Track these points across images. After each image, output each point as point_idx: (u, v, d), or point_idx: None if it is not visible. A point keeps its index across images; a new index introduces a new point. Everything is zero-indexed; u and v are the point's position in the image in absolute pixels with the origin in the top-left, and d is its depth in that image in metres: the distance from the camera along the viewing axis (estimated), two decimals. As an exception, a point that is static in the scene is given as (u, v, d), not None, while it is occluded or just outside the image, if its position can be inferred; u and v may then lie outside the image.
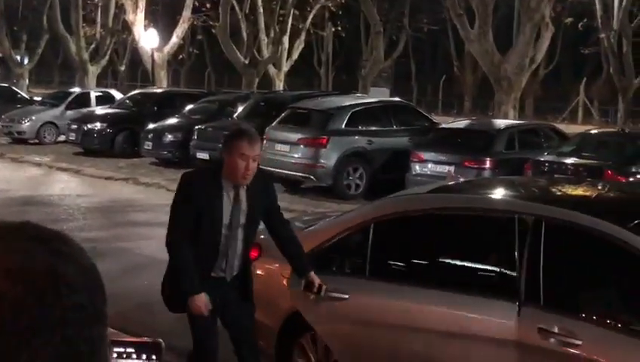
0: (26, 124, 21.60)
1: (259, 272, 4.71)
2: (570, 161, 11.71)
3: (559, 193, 5.02)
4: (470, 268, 4.30)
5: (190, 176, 4.35)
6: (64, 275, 0.86)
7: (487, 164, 12.19)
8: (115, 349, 0.99)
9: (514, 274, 4.03)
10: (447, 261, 4.52)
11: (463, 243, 4.39)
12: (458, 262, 4.43)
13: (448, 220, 4.34)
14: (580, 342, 3.69)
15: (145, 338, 1.01)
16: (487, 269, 4.09)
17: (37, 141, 21.47)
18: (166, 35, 28.47)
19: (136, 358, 0.97)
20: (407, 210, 4.45)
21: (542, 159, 11.90)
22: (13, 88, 28.42)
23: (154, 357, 0.98)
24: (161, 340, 0.98)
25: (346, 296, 4.37)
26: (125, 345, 0.98)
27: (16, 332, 0.81)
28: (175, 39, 28.50)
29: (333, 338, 4.49)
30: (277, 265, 4.75)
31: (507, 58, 17.79)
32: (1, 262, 0.85)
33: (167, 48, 28.23)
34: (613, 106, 33.43)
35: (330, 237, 4.62)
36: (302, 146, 13.89)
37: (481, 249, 4.15)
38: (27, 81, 36.96)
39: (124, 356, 0.96)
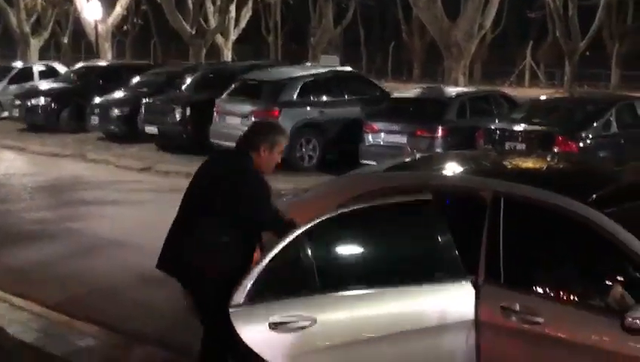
0: (-34, 101, 20.94)
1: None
2: (520, 128, 11.78)
3: (516, 167, 5.00)
4: (424, 253, 4.15)
5: (251, 168, 4.38)
6: None
7: (440, 133, 12.20)
8: None
9: (473, 253, 3.99)
10: (399, 249, 4.18)
11: (416, 226, 4.23)
12: (410, 250, 4.16)
13: (404, 203, 4.15)
14: (541, 320, 3.70)
15: None
16: (444, 251, 4.01)
17: (-21, 118, 20.85)
18: (109, 5, 27.77)
19: None
20: (364, 191, 4.35)
21: (493, 127, 11.95)
22: (-48, 63, 27.48)
23: None
24: None
25: (315, 320, 3.76)
26: None
27: None
28: (119, 9, 27.84)
29: None
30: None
31: (456, 24, 17.78)
32: None
33: (111, 19, 27.56)
34: (560, 69, 33.84)
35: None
36: (253, 118, 13.70)
37: (436, 230, 4.03)
38: (-34, 55, 35.78)
39: None
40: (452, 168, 4.84)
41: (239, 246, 4.25)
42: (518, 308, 3.76)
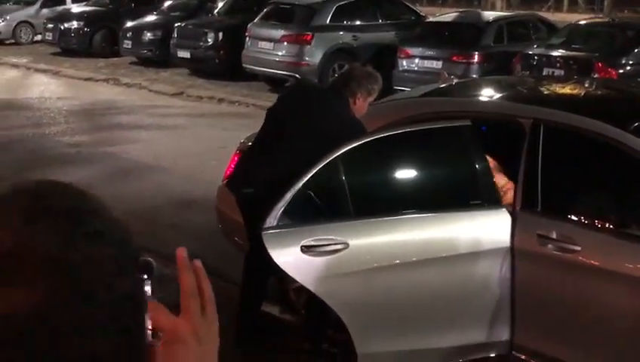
0: (1, 24, 20.96)
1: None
2: (558, 53, 11.51)
3: (555, 94, 4.90)
4: (462, 179, 4.11)
5: (352, 115, 4.30)
6: (109, 264, 0.74)
7: (476, 59, 11.97)
8: None
9: (511, 180, 3.95)
10: (434, 175, 4.18)
11: (453, 153, 4.18)
12: (446, 176, 4.14)
13: (441, 129, 4.09)
14: (578, 248, 3.67)
15: None
16: (481, 178, 3.97)
17: (13, 41, 20.89)
18: None
19: None
20: (400, 117, 4.30)
21: (530, 52, 11.68)
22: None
23: (145, 276, 0.89)
24: (151, 259, 0.91)
25: (347, 244, 3.75)
26: None
27: (67, 331, 0.70)
28: None
29: (335, 297, 3.83)
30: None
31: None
32: (23, 244, 0.70)
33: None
34: (600, -6, 32.82)
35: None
36: (285, 43, 13.57)
37: (473, 157, 3.97)
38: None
39: None
40: (490, 94, 4.75)
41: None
42: (554, 235, 3.73)
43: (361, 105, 4.32)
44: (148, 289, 0.88)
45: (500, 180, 4.23)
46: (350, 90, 4.31)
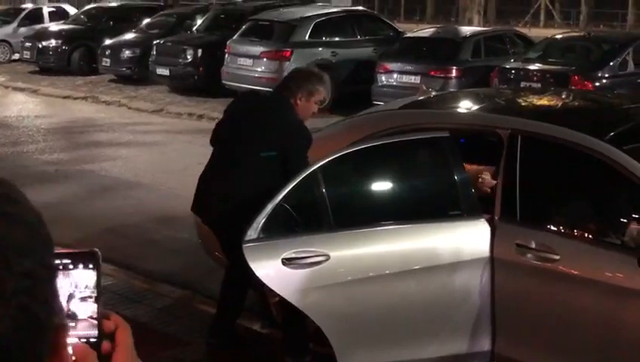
0: (-23, 43, 20.84)
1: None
2: (535, 67, 11.63)
3: (532, 105, 4.94)
4: (440, 190, 4.13)
5: (296, 117, 4.30)
6: (13, 241, 0.78)
7: (454, 73, 12.06)
8: None
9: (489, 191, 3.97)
10: (413, 186, 4.20)
11: (431, 164, 4.22)
12: (425, 187, 4.17)
13: (419, 140, 4.11)
14: (557, 257, 3.69)
15: (80, 249, 0.96)
16: (460, 189, 3.98)
17: (-10, 60, 20.77)
18: (118, -55, 27.33)
19: (73, 268, 0.94)
20: (378, 130, 4.31)
21: (508, 66, 11.80)
22: (-39, 5, 27.31)
23: (90, 266, 0.94)
24: (97, 249, 0.96)
25: (328, 256, 3.73)
26: (61, 256, 0.93)
27: None
28: (128, -51, 27.40)
29: (316, 309, 3.82)
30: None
31: (471, -38, 17.43)
32: None
33: (121, -41, 27.16)
34: (575, 9, 33.24)
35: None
36: (265, 60, 13.60)
37: (451, 168, 3.99)
38: (-25, -3, 35.49)
39: (61, 267, 0.92)
40: (467, 106, 4.78)
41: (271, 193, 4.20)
42: (533, 245, 3.75)
43: (304, 105, 4.28)
44: (92, 278, 0.91)
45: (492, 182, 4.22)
46: (290, 91, 4.32)
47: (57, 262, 0.89)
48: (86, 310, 0.93)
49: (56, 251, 0.89)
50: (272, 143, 4.19)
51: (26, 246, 0.79)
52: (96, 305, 0.94)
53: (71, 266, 0.93)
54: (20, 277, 0.77)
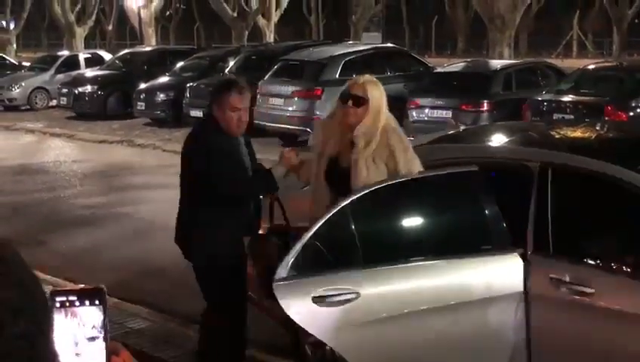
0: (16, 91, 21.36)
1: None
2: (568, 98, 11.55)
3: (564, 137, 4.89)
4: (471, 225, 4.09)
5: (203, 138, 4.30)
6: (8, 303, 0.79)
7: (485, 107, 12.04)
8: (58, 299, 0.96)
9: (522, 224, 3.92)
10: (444, 221, 4.14)
11: (462, 198, 4.18)
12: (456, 222, 4.11)
13: (448, 175, 4.08)
14: (592, 290, 3.62)
15: (86, 286, 0.98)
16: (493, 223, 3.94)
17: (28, 107, 21.23)
18: (152, -9, 27.96)
19: (80, 305, 0.95)
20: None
21: (540, 98, 11.74)
22: (1, 55, 28.04)
23: (97, 302, 0.95)
24: (103, 286, 0.97)
25: (359, 294, 3.69)
26: (67, 293, 0.95)
27: None
28: (161, -5, 28.04)
29: (348, 348, 3.76)
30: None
31: (500, -4, 17.47)
32: None
33: (154, 5, 27.79)
34: (608, 38, 33.07)
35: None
36: (296, 99, 13.71)
37: (482, 203, 3.96)
38: (15, 46, 36.49)
39: (67, 304, 0.93)
40: (498, 139, 4.75)
41: (221, 223, 4.25)
42: (568, 278, 3.69)
43: (221, 117, 4.20)
44: (99, 316, 0.91)
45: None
46: (210, 108, 4.37)
47: (63, 299, 0.90)
48: (94, 350, 0.94)
49: (62, 289, 0.91)
50: (194, 168, 4.26)
51: (22, 307, 0.80)
52: (104, 344, 0.94)
53: (77, 303, 0.93)
54: (15, 339, 0.78)
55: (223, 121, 4.19)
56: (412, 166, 4.01)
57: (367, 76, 4.18)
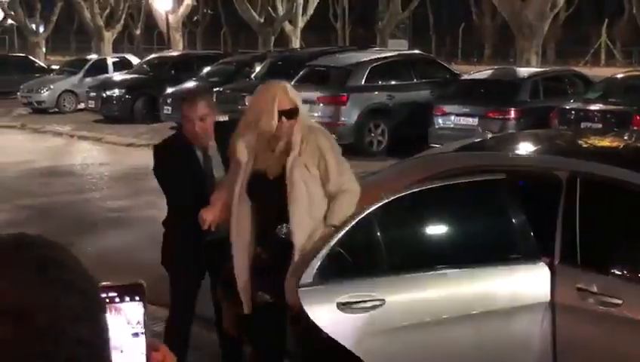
0: (45, 94, 21.61)
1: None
2: (596, 107, 11.46)
3: (592, 146, 4.85)
4: (498, 233, 4.07)
5: (160, 144, 4.70)
6: (68, 309, 0.79)
7: (512, 115, 11.97)
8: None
9: (548, 234, 3.89)
10: (470, 229, 4.13)
11: (488, 207, 4.16)
12: (482, 231, 4.10)
13: (475, 183, 4.07)
14: (620, 301, 3.58)
15: (124, 282, 0.98)
16: (520, 232, 3.92)
17: (57, 110, 21.48)
18: (179, -4, 28.18)
19: (120, 301, 0.95)
20: (434, 172, 4.28)
21: (568, 107, 11.66)
22: (31, 58, 28.43)
23: (137, 298, 0.96)
24: (142, 281, 0.97)
25: (384, 301, 3.67)
26: (107, 290, 0.94)
27: None
28: (189, 0, 28.22)
29: (372, 355, 3.74)
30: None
31: (528, 4, 17.37)
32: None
33: (181, 10, 27.98)
34: (637, 47, 32.75)
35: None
36: (322, 105, 13.74)
37: (509, 211, 3.94)
38: (44, 49, 36.93)
39: (108, 301, 0.93)
40: (525, 148, 4.73)
41: (171, 228, 4.46)
42: (595, 289, 3.65)
43: (183, 124, 4.36)
44: (140, 311, 0.91)
45: None
46: None
47: (104, 295, 0.91)
48: (137, 345, 0.94)
49: (103, 284, 0.92)
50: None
51: (82, 313, 0.80)
52: (146, 340, 0.95)
53: (117, 299, 0.94)
54: (76, 345, 0.78)
55: (187, 131, 4.32)
56: (343, 168, 3.91)
57: (282, 84, 3.96)
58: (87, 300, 0.82)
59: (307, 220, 3.79)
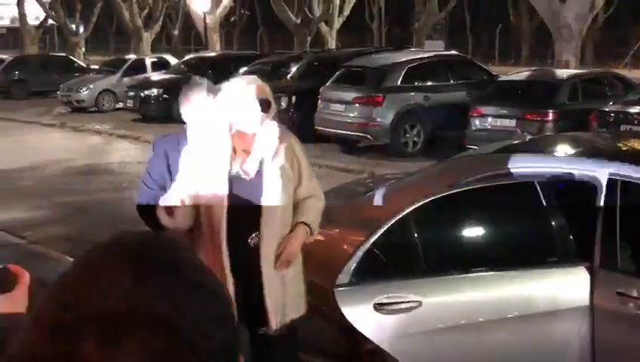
0: (84, 93, 21.90)
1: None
2: (636, 110, 11.28)
3: (631, 149, 4.79)
4: (537, 236, 4.04)
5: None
6: (208, 314, 0.77)
7: (550, 117, 11.84)
8: None
9: (588, 237, 3.85)
10: (508, 232, 4.11)
11: (527, 209, 4.13)
12: (521, 233, 4.08)
13: (514, 185, 4.06)
14: (661, 307, 3.53)
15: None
16: (559, 235, 3.88)
17: (95, 109, 21.76)
18: (217, -3, 28.37)
19: None
20: (471, 174, 4.25)
21: (607, 109, 11.50)
22: (71, 57, 28.84)
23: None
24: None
25: (421, 303, 3.67)
26: None
27: None
28: (226, 1, 28.40)
29: (409, 356, 3.73)
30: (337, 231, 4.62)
31: (567, 5, 17.18)
32: (136, 306, 0.73)
33: (219, 11, 28.16)
34: (679, 48, 32.16)
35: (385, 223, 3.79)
36: (357, 105, 13.72)
37: (548, 214, 3.91)
38: (83, 49, 37.44)
39: None
40: (564, 150, 4.68)
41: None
42: (635, 294, 3.61)
43: None
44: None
45: None
46: None
47: None
48: None
49: None
50: None
51: (221, 317, 0.78)
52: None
53: None
54: (220, 351, 0.76)
55: None
56: (312, 173, 3.79)
57: (254, 77, 3.85)
58: (219, 301, 0.80)
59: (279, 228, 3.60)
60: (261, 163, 3.61)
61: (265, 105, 3.67)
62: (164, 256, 0.79)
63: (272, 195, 3.57)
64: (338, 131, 13.95)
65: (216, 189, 3.57)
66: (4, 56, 28.65)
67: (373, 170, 11.90)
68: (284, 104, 15.33)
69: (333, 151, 13.89)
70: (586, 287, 3.72)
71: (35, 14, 38.36)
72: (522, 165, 4.30)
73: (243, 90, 3.65)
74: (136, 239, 0.81)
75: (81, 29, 39.32)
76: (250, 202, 3.57)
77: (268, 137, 3.64)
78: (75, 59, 28.37)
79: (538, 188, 3.95)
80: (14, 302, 1.17)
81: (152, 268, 0.77)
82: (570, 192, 4.23)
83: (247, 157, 3.60)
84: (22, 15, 37.18)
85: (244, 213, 3.56)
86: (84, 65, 27.35)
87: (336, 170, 12.29)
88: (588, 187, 4.00)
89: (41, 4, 36.19)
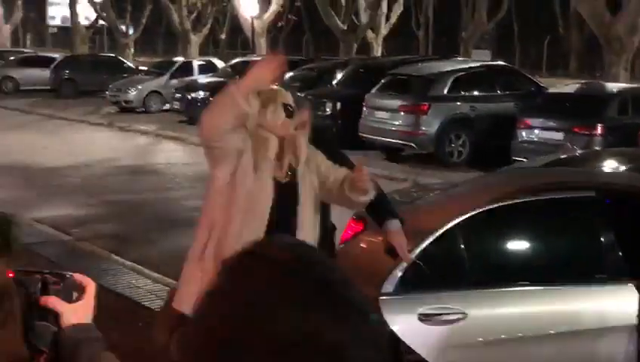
0: (132, 94, 22.22)
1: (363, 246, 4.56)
2: (688, 126, 11.07)
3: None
4: (585, 252, 4.00)
5: None
6: (366, 338, 0.75)
7: (599, 131, 11.67)
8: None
9: (637, 254, 3.80)
10: (556, 247, 4.07)
11: (576, 224, 4.09)
12: (569, 249, 4.05)
13: (564, 200, 4.02)
14: None
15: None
16: (607, 251, 3.84)
17: (143, 110, 22.06)
18: (265, 2, 28.57)
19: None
20: (519, 187, 4.22)
21: (658, 125, 11.30)
22: (120, 58, 29.31)
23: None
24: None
25: (466, 315, 3.65)
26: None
27: None
28: (274, 6, 28.61)
29: None
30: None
31: (619, 17, 16.93)
32: (316, 341, 0.72)
33: (267, 15, 28.36)
34: None
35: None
36: (402, 113, 13.70)
37: (598, 229, 3.86)
38: (132, 50, 38.00)
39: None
40: (613, 165, 4.62)
41: None
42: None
43: None
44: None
45: None
46: None
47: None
48: None
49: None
50: None
51: (370, 338, 0.76)
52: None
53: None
54: None
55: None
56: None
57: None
58: (369, 320, 0.76)
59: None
60: (291, 166, 3.59)
61: (288, 111, 3.64)
62: (320, 272, 0.76)
63: (305, 198, 3.56)
64: (382, 139, 13.94)
65: (263, 189, 3.58)
66: (54, 55, 29.26)
67: (417, 179, 11.87)
68: (329, 110, 15.38)
69: (377, 159, 13.87)
70: (634, 305, 3.67)
71: (85, 14, 39.06)
72: (570, 179, 4.26)
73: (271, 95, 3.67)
74: (292, 255, 0.77)
75: (131, 31, 39.92)
76: (285, 205, 3.56)
77: (298, 143, 3.59)
78: (123, 60, 28.82)
79: (587, 203, 3.91)
80: (82, 313, 1.21)
81: (320, 289, 0.74)
82: (620, 208, 4.17)
83: (281, 161, 3.60)
84: (73, 15, 37.89)
85: (282, 214, 3.56)
86: (133, 66, 27.76)
87: (379, 177, 12.27)
88: (637, 203, 3.95)
89: (92, 5, 36.83)
